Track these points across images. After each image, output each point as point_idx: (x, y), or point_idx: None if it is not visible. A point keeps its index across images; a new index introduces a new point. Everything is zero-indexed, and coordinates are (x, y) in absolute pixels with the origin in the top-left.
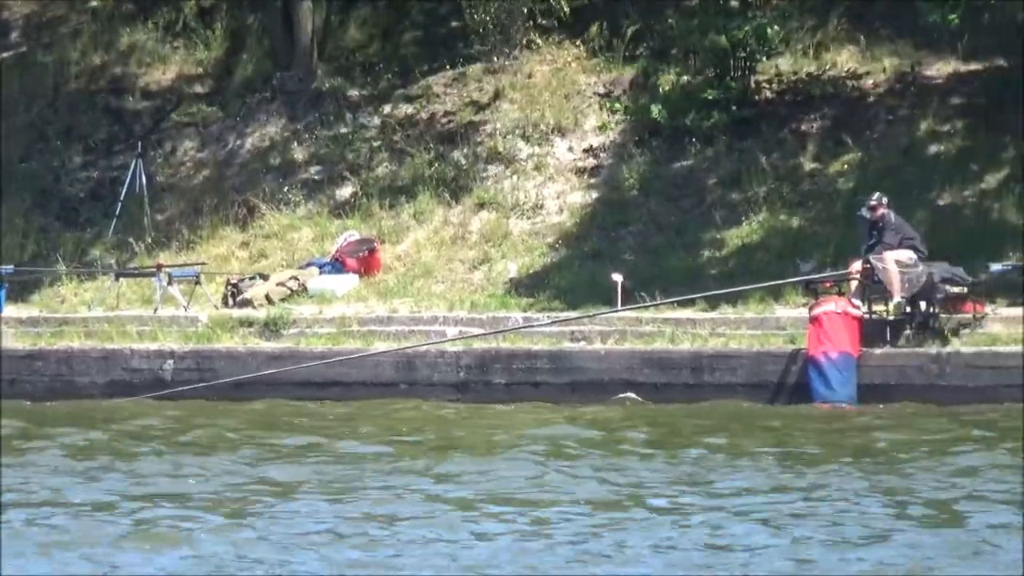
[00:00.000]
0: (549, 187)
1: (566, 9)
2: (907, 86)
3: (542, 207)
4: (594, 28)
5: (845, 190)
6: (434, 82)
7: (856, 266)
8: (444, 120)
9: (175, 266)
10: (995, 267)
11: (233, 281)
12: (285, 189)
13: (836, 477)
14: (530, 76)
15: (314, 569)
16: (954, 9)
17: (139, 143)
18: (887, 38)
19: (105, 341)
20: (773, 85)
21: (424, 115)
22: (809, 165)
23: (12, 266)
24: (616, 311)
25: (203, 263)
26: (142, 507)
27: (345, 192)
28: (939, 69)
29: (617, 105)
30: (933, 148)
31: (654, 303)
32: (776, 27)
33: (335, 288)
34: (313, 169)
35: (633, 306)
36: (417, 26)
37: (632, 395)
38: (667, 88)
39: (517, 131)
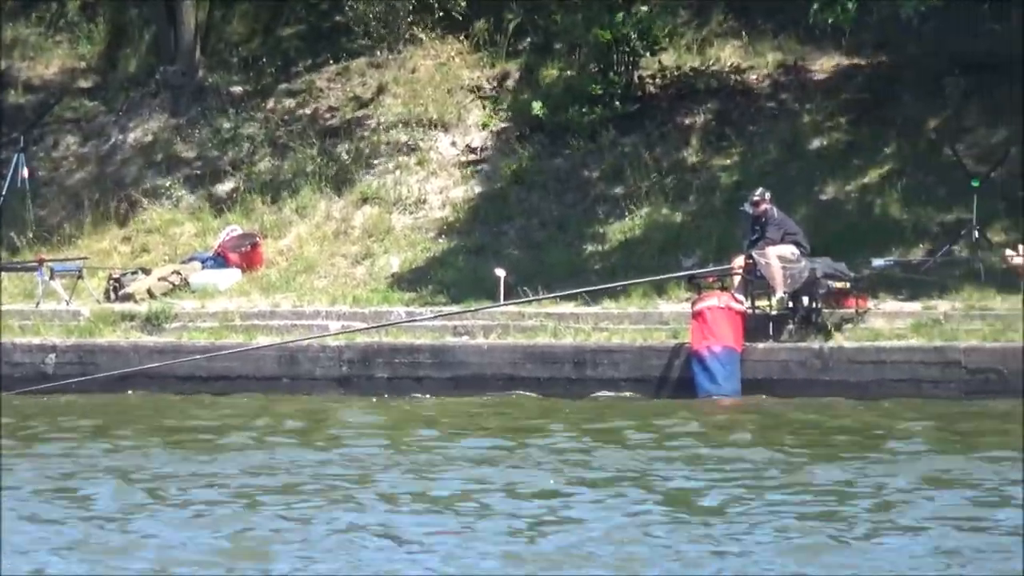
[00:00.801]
0: (432, 182)
1: (462, 3)
2: (790, 81)
3: (425, 202)
4: (479, 23)
5: (728, 185)
6: (317, 77)
7: (739, 261)
8: (327, 115)
9: (57, 260)
10: (877, 262)
11: (115, 276)
12: (167, 184)
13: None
14: (414, 71)
15: None
16: (845, 10)
17: (21, 138)
18: (770, 33)
19: None
20: (656, 80)
21: (307, 110)
22: (692, 160)
23: None
24: (499, 306)
25: (85, 257)
26: None
27: (227, 187)
28: (822, 64)
29: (501, 100)
30: (816, 143)
31: (537, 297)
32: (660, 22)
33: (217, 283)
34: (195, 164)
35: (516, 301)
36: (300, 20)
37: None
38: (550, 83)
39: (400, 126)
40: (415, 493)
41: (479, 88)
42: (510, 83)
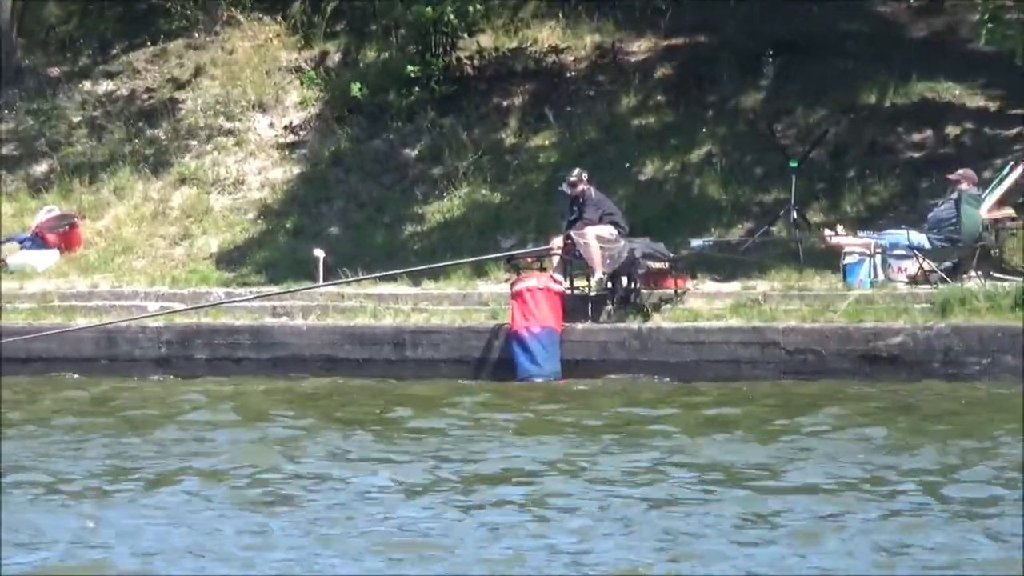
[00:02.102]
0: (250, 163)
1: None
2: (608, 62)
3: (243, 183)
4: (296, 4)
5: (546, 166)
6: (134, 59)
7: (557, 242)
8: (144, 96)
9: None
10: (696, 242)
11: None
12: None
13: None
14: (231, 52)
15: None
16: None
17: None
18: (588, 14)
19: None
20: (475, 61)
21: (124, 91)
22: (510, 141)
23: None
24: (318, 286)
25: None
26: None
27: (44, 168)
28: (640, 45)
29: (319, 81)
30: (635, 123)
31: (356, 279)
32: (478, 4)
33: (35, 263)
34: (12, 145)
35: (335, 281)
36: (117, 2)
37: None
38: (368, 64)
39: (218, 107)
40: None
41: (297, 69)
42: (329, 64)
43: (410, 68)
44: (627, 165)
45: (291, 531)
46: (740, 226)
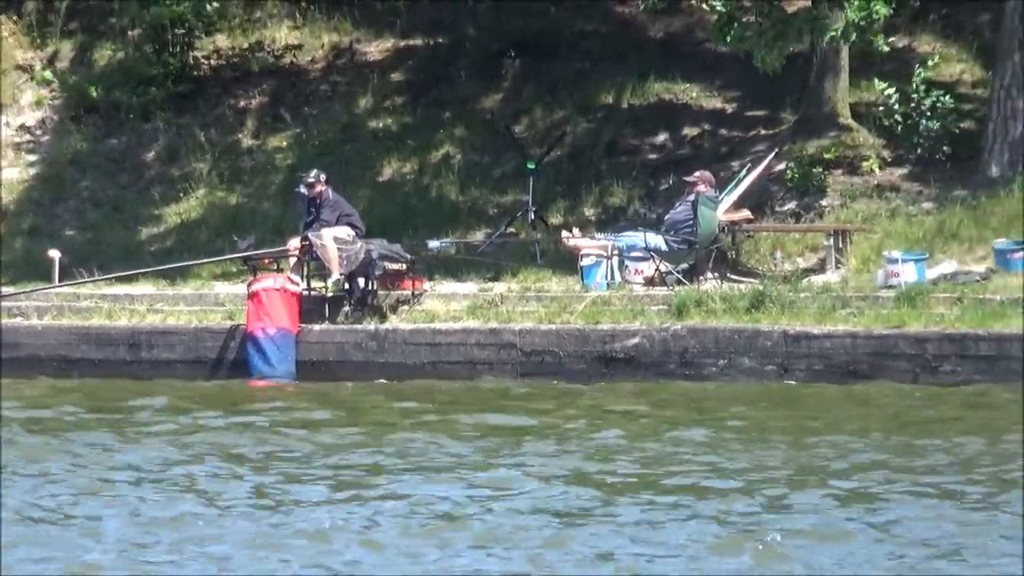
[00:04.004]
0: None
1: None
2: (346, 62)
3: None
4: (30, 3)
5: (284, 166)
6: None
7: (294, 243)
8: None
9: None
10: (433, 244)
11: None
12: None
13: None
14: None
15: None
16: None
17: None
18: (324, 14)
19: None
20: (211, 61)
21: None
22: (248, 142)
23: None
24: (53, 287)
25: None
26: None
27: None
28: (378, 45)
29: (54, 80)
30: (373, 124)
31: (92, 279)
32: (215, 3)
33: None
34: None
35: (71, 282)
36: None
37: None
38: (104, 63)
39: None
40: None
41: (32, 68)
42: (64, 63)
43: (146, 67)
44: (368, 168)
45: None
46: (478, 227)
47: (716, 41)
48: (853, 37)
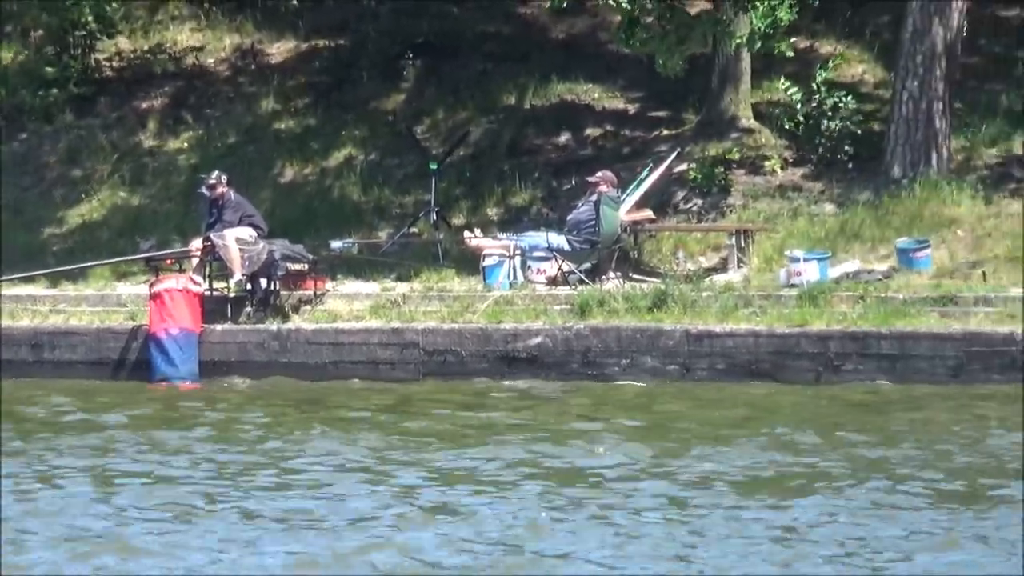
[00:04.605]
0: None
1: None
2: (248, 64)
3: None
4: None
5: (186, 168)
6: None
7: (197, 243)
8: None
9: None
10: (336, 244)
11: None
12: None
13: None
14: None
15: None
16: None
17: None
18: (227, 15)
19: None
20: (113, 63)
21: None
22: (150, 143)
23: None
24: None
25: None
26: None
27: None
28: (280, 47)
29: None
30: (275, 126)
31: None
32: (115, 4)
33: None
34: None
35: None
36: None
37: None
38: (4, 65)
39: None
40: None
41: None
42: None
43: (48, 69)
44: (270, 169)
45: None
46: (381, 228)
47: (618, 44)
48: (758, 44)
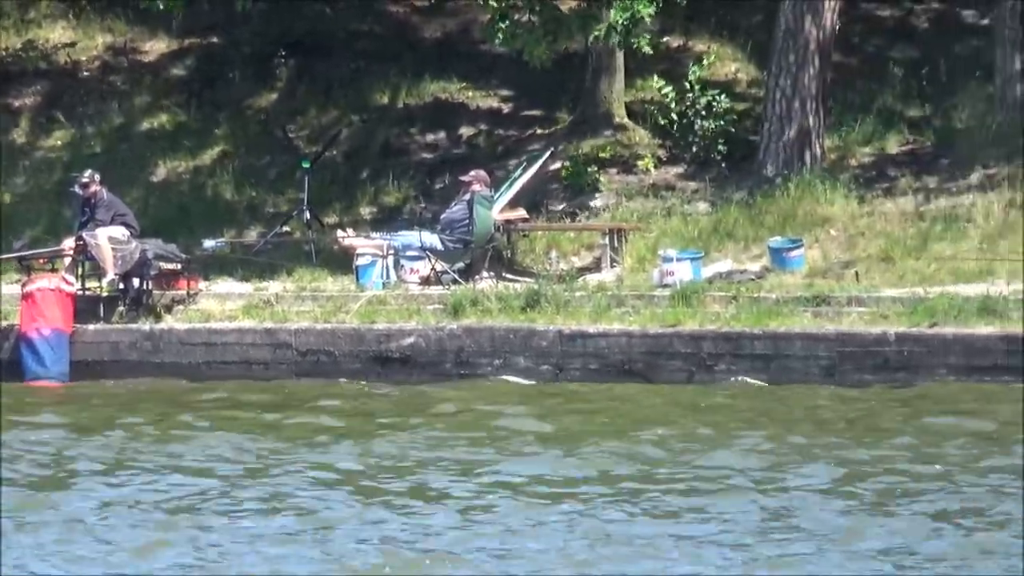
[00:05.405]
0: None
1: None
2: (120, 62)
3: None
4: None
5: (59, 166)
6: None
7: (69, 243)
8: None
9: None
10: (208, 243)
11: None
12: None
13: None
14: None
15: None
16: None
17: None
18: (99, 14)
19: None
20: None
21: None
22: (21, 141)
23: None
24: None
25: None
26: None
27: None
28: (153, 45)
29: None
30: (148, 124)
31: None
32: None
33: None
34: None
35: None
36: None
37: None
38: None
39: None
40: None
41: None
42: None
43: None
44: (143, 168)
45: None
46: (254, 227)
47: (488, 39)
48: (616, 38)
